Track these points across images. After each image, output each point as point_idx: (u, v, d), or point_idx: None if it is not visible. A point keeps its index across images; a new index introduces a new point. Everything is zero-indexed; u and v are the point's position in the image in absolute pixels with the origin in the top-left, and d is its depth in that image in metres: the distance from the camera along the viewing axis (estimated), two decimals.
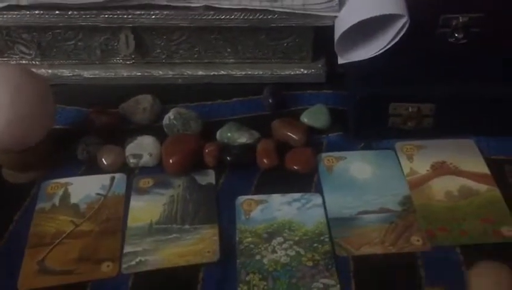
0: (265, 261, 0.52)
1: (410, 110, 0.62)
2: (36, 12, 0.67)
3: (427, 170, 0.60)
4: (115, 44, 0.72)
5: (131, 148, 0.63)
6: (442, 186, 0.58)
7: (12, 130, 0.55)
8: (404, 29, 0.62)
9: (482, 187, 0.58)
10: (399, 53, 0.64)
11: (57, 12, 0.67)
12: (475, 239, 0.53)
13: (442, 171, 0.60)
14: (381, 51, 0.64)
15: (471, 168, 0.60)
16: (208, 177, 0.60)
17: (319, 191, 0.59)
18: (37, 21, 0.68)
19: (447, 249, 0.52)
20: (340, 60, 0.67)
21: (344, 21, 0.64)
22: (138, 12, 0.68)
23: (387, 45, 0.64)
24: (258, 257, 0.52)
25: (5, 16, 0.67)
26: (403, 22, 0.62)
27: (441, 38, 0.64)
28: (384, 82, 0.63)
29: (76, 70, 0.73)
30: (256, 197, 0.58)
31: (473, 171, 0.60)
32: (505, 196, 0.57)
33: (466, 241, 0.53)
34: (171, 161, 0.60)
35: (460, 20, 0.63)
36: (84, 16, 0.68)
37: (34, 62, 0.73)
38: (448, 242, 0.53)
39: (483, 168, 0.60)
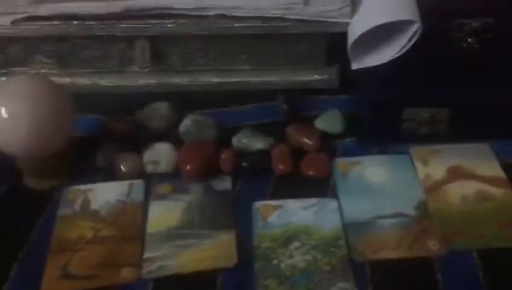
0: (282, 265, 0.52)
1: (424, 115, 0.62)
2: (54, 22, 0.69)
3: (443, 175, 0.60)
4: (132, 53, 0.73)
5: (148, 155, 0.64)
6: (458, 191, 0.58)
7: (33, 138, 0.57)
8: (417, 35, 0.62)
9: (498, 191, 0.58)
10: (412, 58, 0.64)
11: (74, 22, 0.69)
12: (492, 243, 0.53)
13: (457, 176, 0.60)
14: (394, 57, 0.64)
15: (487, 172, 0.60)
16: (225, 183, 0.61)
17: (335, 196, 0.59)
18: (56, 31, 0.70)
19: (464, 254, 0.53)
20: (354, 66, 0.67)
21: (357, 27, 0.65)
22: (154, 21, 0.69)
23: (400, 50, 0.64)
24: (275, 262, 0.53)
25: (24, 27, 0.69)
26: (416, 27, 0.62)
27: (454, 44, 0.64)
28: (398, 87, 0.63)
29: (94, 78, 0.75)
30: (273, 202, 0.59)
31: (488, 175, 0.60)
32: None
33: (483, 246, 0.53)
34: (188, 167, 0.61)
35: (473, 25, 0.63)
36: (101, 26, 0.69)
37: (53, 71, 0.75)
38: (464, 246, 0.53)
39: (499, 172, 0.60)
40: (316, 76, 0.74)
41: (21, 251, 0.54)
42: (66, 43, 0.72)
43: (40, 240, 0.56)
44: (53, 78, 0.72)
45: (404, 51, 0.64)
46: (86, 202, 0.59)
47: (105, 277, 0.52)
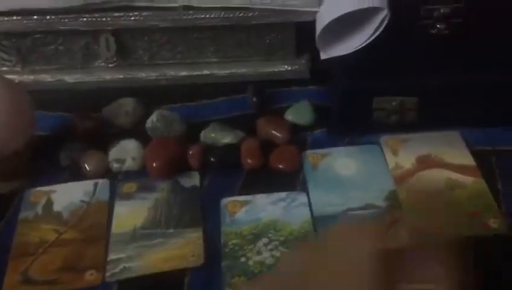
0: (250, 263, 0.51)
1: (393, 104, 0.61)
2: (14, 18, 0.67)
3: (412, 164, 0.60)
4: (96, 47, 0.71)
5: (114, 153, 0.62)
6: (428, 180, 0.58)
7: None
8: (385, 22, 0.61)
9: (468, 179, 0.58)
10: (380, 47, 0.63)
11: (35, 17, 0.67)
12: (462, 232, 0.53)
13: (427, 165, 0.59)
14: (362, 45, 0.63)
15: (457, 160, 0.60)
16: (192, 180, 0.60)
17: (305, 189, 0.58)
18: (16, 27, 0.67)
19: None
20: (323, 56, 0.66)
21: (325, 16, 0.63)
22: (117, 14, 0.67)
23: (368, 38, 0.63)
24: (243, 259, 0.51)
25: None
26: (384, 14, 0.61)
27: (422, 30, 0.63)
28: (367, 76, 0.62)
29: (58, 75, 0.73)
30: (240, 198, 0.58)
31: (458, 163, 0.59)
32: (491, 187, 0.57)
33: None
34: (154, 164, 0.60)
35: (441, 11, 0.62)
36: (62, 20, 0.67)
37: (15, 68, 0.72)
38: None
39: (468, 160, 0.60)
40: (285, 67, 0.73)
41: None
42: (27, 39, 0.70)
43: (1, 246, 0.54)
44: (16, 76, 0.71)
45: (372, 39, 0.63)
46: (49, 204, 0.58)
47: (67, 281, 0.50)
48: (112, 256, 0.52)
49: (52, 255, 0.52)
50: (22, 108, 0.57)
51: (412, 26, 0.63)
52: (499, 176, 0.58)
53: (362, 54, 0.63)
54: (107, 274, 0.51)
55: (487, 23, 0.62)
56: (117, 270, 0.51)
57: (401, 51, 0.63)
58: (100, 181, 0.60)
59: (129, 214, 0.56)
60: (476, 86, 0.61)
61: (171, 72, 0.73)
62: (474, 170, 0.58)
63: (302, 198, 0.57)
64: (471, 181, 0.57)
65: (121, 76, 0.73)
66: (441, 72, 0.61)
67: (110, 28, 0.69)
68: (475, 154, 0.60)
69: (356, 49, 0.64)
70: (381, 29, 0.62)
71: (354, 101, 0.62)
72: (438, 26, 0.63)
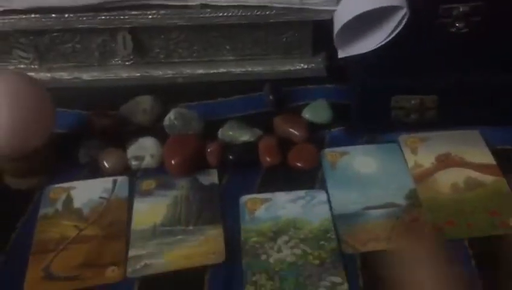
0: (271, 260, 0.51)
1: (412, 102, 0.61)
2: (32, 16, 0.67)
3: (432, 163, 0.59)
4: (113, 45, 0.71)
5: (132, 150, 0.62)
6: (448, 179, 0.58)
7: (12, 136, 0.55)
8: (404, 21, 0.61)
9: (488, 178, 0.57)
10: (400, 45, 0.63)
11: (53, 15, 0.67)
12: (483, 231, 0.53)
13: (447, 163, 0.59)
14: (381, 44, 0.63)
15: (477, 159, 0.59)
16: (211, 177, 0.60)
17: (323, 187, 0.58)
18: (34, 25, 0.68)
19: (455, 243, 0.52)
20: (340, 54, 0.66)
21: (343, 14, 0.63)
22: (134, 12, 0.67)
23: (387, 37, 0.63)
24: (263, 257, 0.51)
25: (1, 21, 0.67)
26: (402, 13, 0.61)
27: (441, 29, 0.63)
28: (385, 75, 0.62)
29: (75, 73, 0.73)
30: (260, 195, 0.57)
31: (478, 162, 0.59)
32: (511, 186, 0.56)
33: (474, 234, 0.52)
34: (173, 162, 0.60)
35: (461, 10, 0.62)
36: (80, 18, 0.67)
37: (32, 66, 0.73)
38: (455, 235, 0.52)
39: (489, 158, 0.59)
40: (302, 65, 0.73)
41: (2, 253, 0.53)
42: (45, 37, 0.70)
43: (22, 241, 0.54)
44: (33, 74, 0.71)
45: (391, 37, 0.63)
46: (69, 201, 0.58)
47: (89, 277, 0.50)
48: (132, 253, 0.52)
49: (73, 251, 0.53)
50: (43, 105, 0.57)
51: (431, 24, 0.63)
52: None
53: (381, 52, 0.63)
54: (129, 270, 0.51)
55: (506, 21, 0.62)
56: (138, 267, 0.51)
57: (420, 49, 0.62)
58: (119, 178, 0.60)
59: (149, 211, 0.56)
60: (496, 85, 0.61)
61: (187, 70, 0.73)
62: (494, 169, 0.58)
63: (321, 196, 0.57)
64: (491, 180, 0.57)
65: (138, 74, 0.73)
66: (461, 70, 0.61)
67: (127, 26, 0.69)
68: (495, 153, 0.60)
69: (374, 48, 0.63)
70: (400, 27, 0.62)
71: (372, 99, 0.62)
72: (457, 24, 0.63)
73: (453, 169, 0.59)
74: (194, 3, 0.67)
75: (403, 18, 0.61)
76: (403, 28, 0.62)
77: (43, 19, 0.67)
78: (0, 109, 0.54)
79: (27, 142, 0.56)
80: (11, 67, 0.72)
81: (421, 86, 0.61)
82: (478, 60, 0.62)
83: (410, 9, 0.60)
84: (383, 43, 0.63)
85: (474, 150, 0.60)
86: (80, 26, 0.68)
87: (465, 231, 0.53)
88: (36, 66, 0.73)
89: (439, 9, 0.62)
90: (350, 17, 0.62)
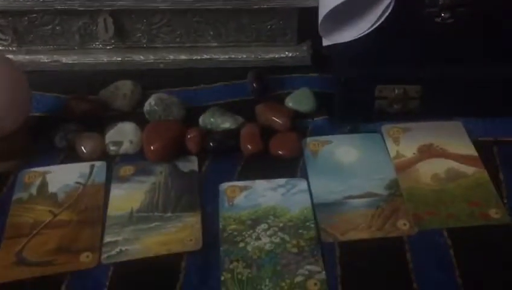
0: (249, 248, 0.50)
1: (396, 92, 0.61)
2: None
3: (414, 153, 0.59)
4: (94, 28, 0.70)
5: (111, 135, 0.61)
6: (429, 169, 0.57)
7: None
8: (389, 10, 0.61)
9: (470, 169, 0.57)
10: (385, 34, 0.62)
11: None
12: (463, 222, 0.52)
13: (429, 154, 0.59)
14: (366, 32, 0.63)
15: (459, 150, 0.59)
16: (191, 164, 0.59)
17: (304, 176, 0.57)
18: (12, 5, 0.66)
19: (434, 233, 0.52)
20: (325, 42, 0.65)
21: (328, 2, 0.62)
22: None
23: (372, 25, 0.62)
24: (241, 245, 0.51)
25: None
26: (388, 2, 0.60)
27: (427, 19, 0.63)
28: (369, 64, 0.62)
29: (55, 56, 0.71)
30: (240, 183, 0.57)
31: (460, 153, 0.59)
32: (492, 178, 0.56)
33: (453, 224, 0.52)
34: (152, 147, 0.59)
35: (446, 0, 0.61)
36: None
37: (10, 48, 0.71)
38: (435, 225, 0.52)
39: (471, 150, 0.59)
40: (286, 53, 0.72)
41: None
42: (24, 19, 0.69)
43: None
44: (11, 56, 0.69)
45: (376, 26, 0.62)
46: (44, 185, 0.56)
47: (62, 262, 0.49)
48: (108, 238, 0.51)
49: (47, 236, 0.51)
50: (20, 86, 0.56)
51: (417, 14, 0.62)
52: (500, 167, 0.57)
53: (365, 41, 0.63)
54: (103, 256, 0.50)
55: (492, 12, 0.62)
56: (113, 252, 0.50)
57: (405, 38, 0.62)
58: (97, 163, 0.59)
59: (126, 197, 0.55)
60: (480, 76, 0.60)
61: (170, 56, 0.72)
62: (476, 160, 0.58)
63: (302, 185, 0.56)
64: (473, 171, 0.57)
65: (119, 58, 0.72)
66: (445, 61, 0.61)
67: (108, 8, 0.67)
68: (477, 144, 0.60)
69: (359, 36, 0.63)
70: (385, 16, 0.61)
71: (356, 88, 0.61)
72: (443, 14, 0.62)
73: (435, 160, 0.58)
74: None
75: (388, 6, 0.61)
76: (388, 17, 0.61)
77: (21, 0, 0.65)
78: None
79: (2, 125, 0.55)
80: None
81: (404, 76, 0.60)
82: (462, 51, 0.62)
83: None
84: (368, 31, 0.63)
85: (456, 141, 0.60)
86: (59, 7, 0.66)
87: (444, 221, 0.52)
88: (14, 48, 0.71)
89: None
90: (335, 4, 0.61)
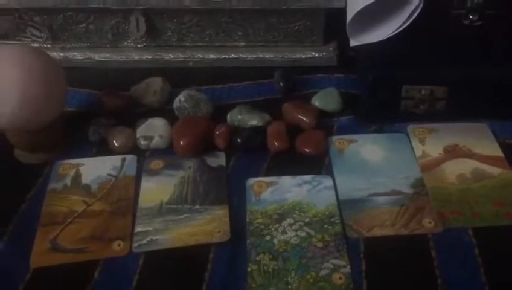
0: (275, 241, 0.52)
1: (422, 93, 0.61)
2: None
3: (440, 153, 0.60)
4: (126, 27, 0.72)
5: (141, 130, 0.63)
6: (455, 169, 0.58)
7: (24, 110, 0.55)
8: (418, 11, 0.61)
9: (496, 170, 0.57)
10: (412, 35, 0.63)
11: None
12: (487, 221, 0.53)
13: (454, 154, 0.59)
14: (393, 33, 0.63)
15: (485, 151, 0.59)
16: (219, 160, 0.60)
17: (330, 173, 0.58)
18: (48, 3, 0.68)
19: (459, 232, 0.52)
20: (352, 43, 0.66)
21: (356, 3, 0.63)
22: None
23: (400, 27, 0.63)
24: (268, 238, 0.52)
25: None
26: (416, 3, 0.61)
27: (455, 20, 0.63)
28: (397, 64, 0.62)
29: (88, 53, 0.74)
30: (266, 179, 0.58)
31: (486, 154, 0.59)
32: None
33: (478, 224, 0.52)
34: (181, 142, 0.60)
35: (475, 2, 0.62)
36: None
37: (45, 45, 0.73)
38: (460, 224, 0.53)
39: (496, 151, 0.59)
40: (313, 53, 0.73)
41: (11, 224, 0.53)
42: (59, 16, 0.71)
43: (30, 214, 0.55)
44: None
45: (403, 27, 0.63)
46: (77, 177, 0.58)
47: (95, 250, 0.51)
48: (139, 228, 0.53)
49: (81, 225, 0.53)
50: (56, 80, 0.58)
51: (445, 15, 0.63)
52: None
53: (393, 42, 0.63)
54: (135, 245, 0.51)
55: None
56: (144, 242, 0.51)
57: (433, 40, 0.62)
58: (128, 157, 0.60)
59: (156, 190, 0.57)
60: (507, 79, 0.61)
61: (198, 55, 0.73)
62: (502, 161, 0.58)
63: (327, 182, 0.57)
64: (498, 172, 0.57)
65: (149, 56, 0.74)
66: (472, 62, 0.61)
67: (141, 7, 0.69)
68: (503, 146, 0.60)
69: (387, 37, 0.64)
70: (413, 17, 0.62)
71: (383, 88, 0.62)
72: (471, 16, 0.63)
73: (461, 160, 0.59)
74: None
75: (416, 8, 0.61)
76: (416, 18, 0.62)
77: None
78: (13, 82, 0.55)
79: (38, 117, 0.57)
80: None
81: (431, 77, 0.61)
82: (490, 53, 0.62)
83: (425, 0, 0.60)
84: (396, 32, 0.63)
85: (482, 142, 0.60)
86: (93, 6, 0.68)
87: (469, 220, 0.53)
88: (49, 45, 0.73)
89: (454, 1, 0.62)
90: (364, 5, 0.62)
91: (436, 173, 0.57)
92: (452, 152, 0.59)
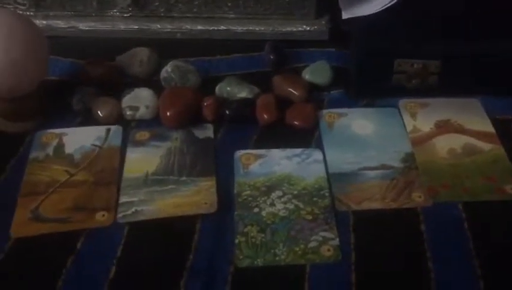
0: (263, 213, 0.51)
1: (415, 66, 0.60)
2: None
3: (431, 128, 0.59)
4: None
5: (127, 100, 0.61)
6: (446, 144, 0.57)
7: (5, 75, 0.53)
8: None
9: (487, 146, 0.57)
10: (405, 8, 0.62)
11: None
12: (478, 196, 0.52)
13: (446, 129, 0.59)
14: (386, 6, 0.62)
15: (476, 127, 0.59)
16: (206, 131, 0.59)
17: (319, 147, 0.57)
18: None
19: (449, 206, 0.52)
20: (344, 15, 0.65)
21: None
22: None
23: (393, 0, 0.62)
24: (256, 210, 0.51)
25: None
26: None
27: None
28: (389, 38, 0.61)
29: (72, 22, 0.71)
30: (255, 151, 0.57)
31: (477, 129, 0.58)
32: (509, 154, 0.56)
33: (468, 198, 0.52)
34: (168, 113, 0.59)
35: None
36: None
37: (28, 13, 0.71)
38: (450, 199, 0.52)
39: (488, 127, 0.59)
40: (304, 27, 0.71)
41: None
42: None
43: (10, 183, 0.53)
44: None
45: (396, 0, 0.62)
46: (60, 146, 0.57)
47: (78, 220, 0.50)
48: (123, 199, 0.51)
49: (63, 195, 0.52)
50: (38, 47, 0.56)
51: None
52: None
53: (385, 15, 0.62)
54: (119, 216, 0.50)
55: None
56: (129, 212, 0.50)
57: (426, 13, 0.61)
58: (113, 127, 0.59)
59: (141, 160, 0.55)
60: (500, 54, 0.60)
61: (187, 26, 0.72)
62: (493, 137, 0.58)
63: (317, 155, 0.56)
64: (489, 148, 0.57)
65: (136, 27, 0.72)
66: (466, 37, 0.60)
67: None
68: (495, 122, 0.59)
69: (380, 9, 0.62)
70: None
71: (374, 62, 0.61)
72: None
73: (452, 135, 0.58)
74: None
75: None
76: None
77: None
78: None
79: (19, 83, 0.55)
80: None
81: (424, 51, 0.60)
82: (484, 28, 0.61)
83: None
84: (389, 5, 0.62)
85: (473, 118, 0.60)
86: None
87: (460, 194, 0.52)
88: (32, 13, 0.71)
89: None
90: None
91: (427, 148, 0.57)
92: (443, 127, 0.59)
